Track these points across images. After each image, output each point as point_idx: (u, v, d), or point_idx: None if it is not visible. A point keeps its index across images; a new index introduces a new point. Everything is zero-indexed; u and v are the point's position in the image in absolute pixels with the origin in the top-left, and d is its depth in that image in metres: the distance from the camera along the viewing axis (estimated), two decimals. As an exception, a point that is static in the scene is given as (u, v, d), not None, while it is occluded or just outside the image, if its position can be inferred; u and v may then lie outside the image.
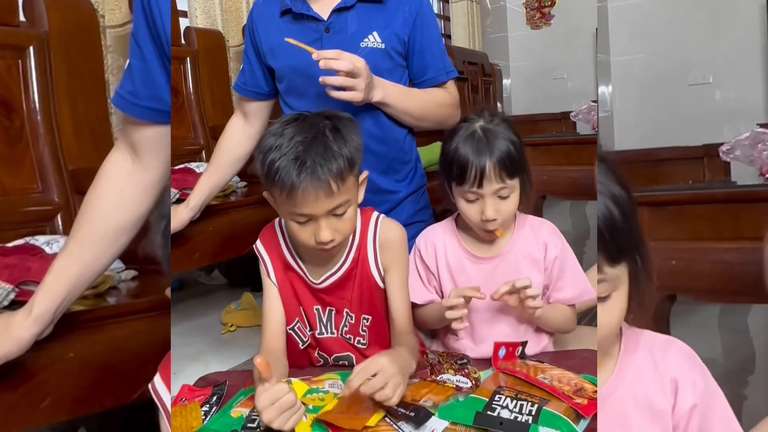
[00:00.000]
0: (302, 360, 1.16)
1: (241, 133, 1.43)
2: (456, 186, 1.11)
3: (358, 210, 1.11)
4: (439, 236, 1.19)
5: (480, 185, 1.07)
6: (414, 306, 1.15)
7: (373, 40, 1.30)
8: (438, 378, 0.97)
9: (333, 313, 1.12)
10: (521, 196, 1.11)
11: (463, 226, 1.19)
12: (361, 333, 1.13)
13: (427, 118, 1.38)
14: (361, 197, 1.06)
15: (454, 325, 1.04)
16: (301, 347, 1.14)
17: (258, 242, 1.13)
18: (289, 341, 1.13)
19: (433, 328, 1.23)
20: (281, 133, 0.97)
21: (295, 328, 1.13)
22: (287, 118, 1.02)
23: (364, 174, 1.06)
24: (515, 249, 1.15)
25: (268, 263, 1.11)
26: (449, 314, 1.03)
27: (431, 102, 1.39)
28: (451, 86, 1.43)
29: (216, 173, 1.44)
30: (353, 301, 1.11)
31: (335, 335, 1.13)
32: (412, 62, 1.38)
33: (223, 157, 1.43)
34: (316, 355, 1.16)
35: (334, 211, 0.97)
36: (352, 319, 1.12)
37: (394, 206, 1.38)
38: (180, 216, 1.42)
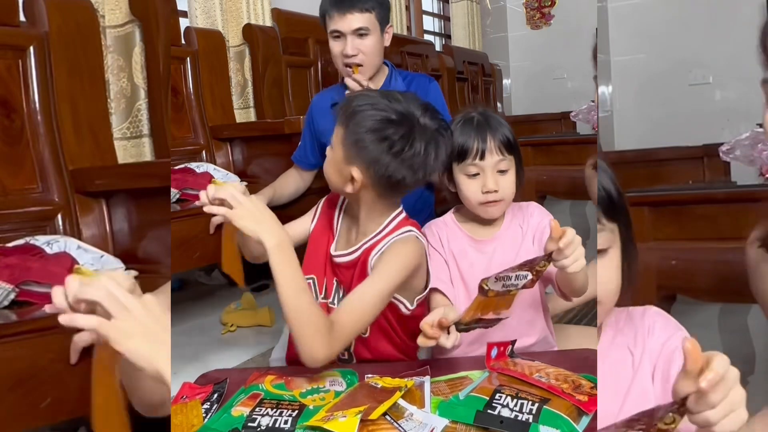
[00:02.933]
0: None
1: (297, 181, 1.85)
2: (457, 165, 1.22)
3: (400, 215, 1.14)
4: (442, 226, 1.29)
5: (482, 157, 1.19)
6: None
7: None
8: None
9: (342, 291, 1.16)
10: (517, 178, 1.22)
11: (461, 214, 1.29)
12: None
13: None
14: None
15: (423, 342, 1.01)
16: None
17: (323, 200, 1.25)
18: None
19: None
20: None
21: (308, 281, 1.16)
22: None
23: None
24: (512, 228, 1.24)
25: (319, 208, 1.24)
26: (420, 341, 1.00)
27: None
28: None
29: (272, 190, 1.77)
30: (353, 288, 1.12)
31: None
32: None
33: (282, 187, 1.81)
34: None
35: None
36: None
37: None
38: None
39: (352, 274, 1.13)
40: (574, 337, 1.35)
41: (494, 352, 1.04)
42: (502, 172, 1.20)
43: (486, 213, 1.22)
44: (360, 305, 1.02)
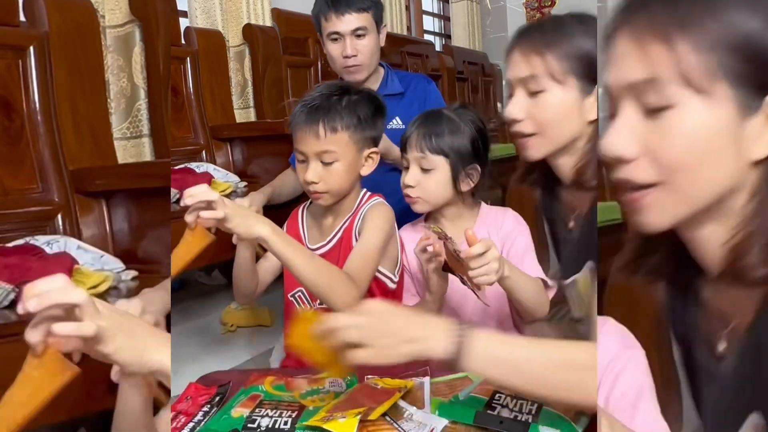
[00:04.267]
0: None
1: (295, 182, 1.72)
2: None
3: (367, 192, 1.21)
4: (410, 232, 1.28)
5: (405, 150, 1.21)
6: None
7: (396, 123, 1.70)
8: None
9: None
10: (455, 181, 1.19)
11: (430, 218, 1.29)
12: None
13: None
14: (365, 170, 1.18)
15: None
16: None
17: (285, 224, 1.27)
18: (291, 308, 1.22)
19: None
20: (314, 89, 1.18)
21: (296, 296, 1.20)
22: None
23: (374, 150, 1.18)
24: (479, 234, 1.19)
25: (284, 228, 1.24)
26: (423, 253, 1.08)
27: None
28: None
29: (272, 188, 1.72)
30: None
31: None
32: None
33: (281, 186, 1.74)
34: None
35: (321, 156, 1.13)
36: None
37: None
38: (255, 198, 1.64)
39: (337, 256, 1.16)
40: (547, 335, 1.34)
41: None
42: (425, 170, 1.19)
43: (407, 201, 1.24)
44: (366, 250, 1.10)
